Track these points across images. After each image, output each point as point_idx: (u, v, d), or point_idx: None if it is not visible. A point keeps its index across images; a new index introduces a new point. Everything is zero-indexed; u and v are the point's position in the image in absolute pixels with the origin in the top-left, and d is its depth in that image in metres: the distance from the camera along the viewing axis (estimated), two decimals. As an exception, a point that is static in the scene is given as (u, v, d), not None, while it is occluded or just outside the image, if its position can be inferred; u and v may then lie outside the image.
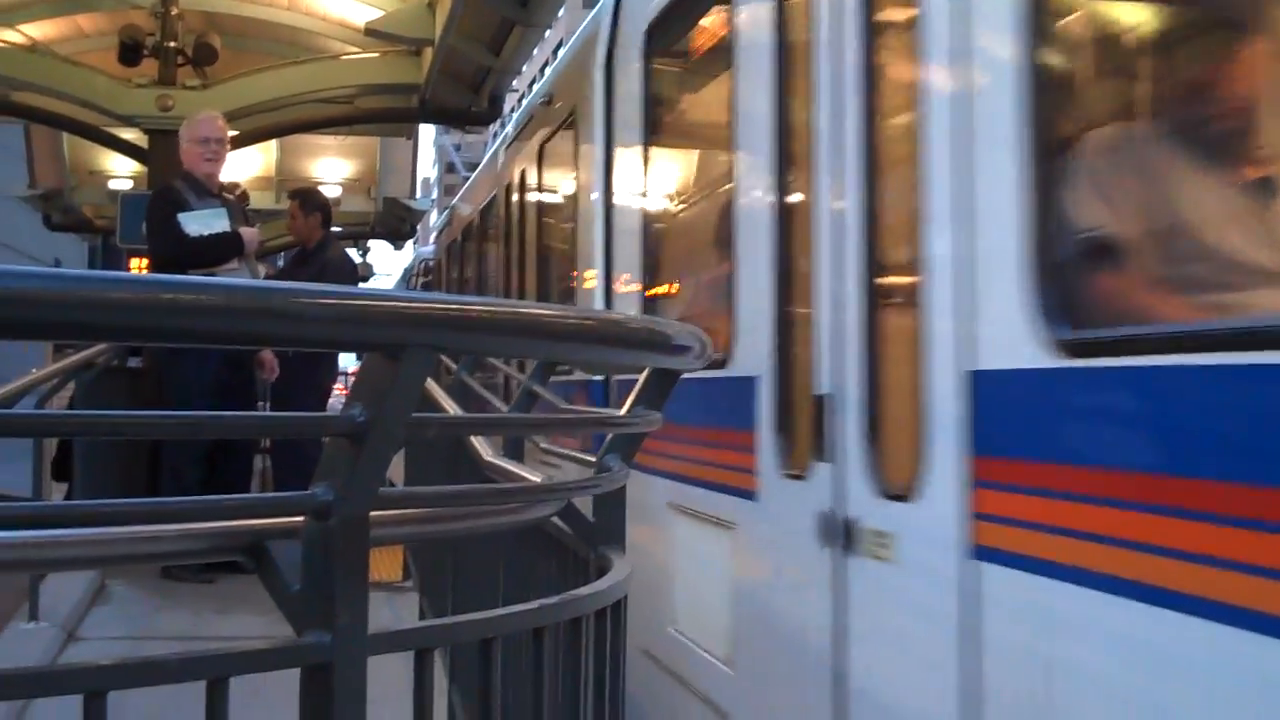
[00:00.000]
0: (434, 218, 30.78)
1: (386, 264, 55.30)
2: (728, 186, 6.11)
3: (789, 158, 5.32)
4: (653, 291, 7.46)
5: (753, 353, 5.52)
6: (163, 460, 9.73)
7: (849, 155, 4.66)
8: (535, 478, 3.45)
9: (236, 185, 10.08)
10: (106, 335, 2.01)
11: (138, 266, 13.52)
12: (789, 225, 5.31)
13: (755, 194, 5.62)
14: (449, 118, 15.87)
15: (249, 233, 9.61)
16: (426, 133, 27.00)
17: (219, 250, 9.32)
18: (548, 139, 10.60)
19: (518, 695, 3.25)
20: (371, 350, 2.00)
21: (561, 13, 22.82)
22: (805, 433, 5.01)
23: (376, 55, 14.88)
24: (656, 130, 7.59)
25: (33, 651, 6.99)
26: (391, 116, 16.30)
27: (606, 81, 8.15)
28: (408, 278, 26.04)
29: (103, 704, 1.86)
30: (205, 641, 7.25)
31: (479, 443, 4.56)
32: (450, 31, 12.38)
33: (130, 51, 14.00)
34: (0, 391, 7.51)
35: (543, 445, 5.28)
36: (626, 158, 7.86)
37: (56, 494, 11.02)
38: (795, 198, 5.29)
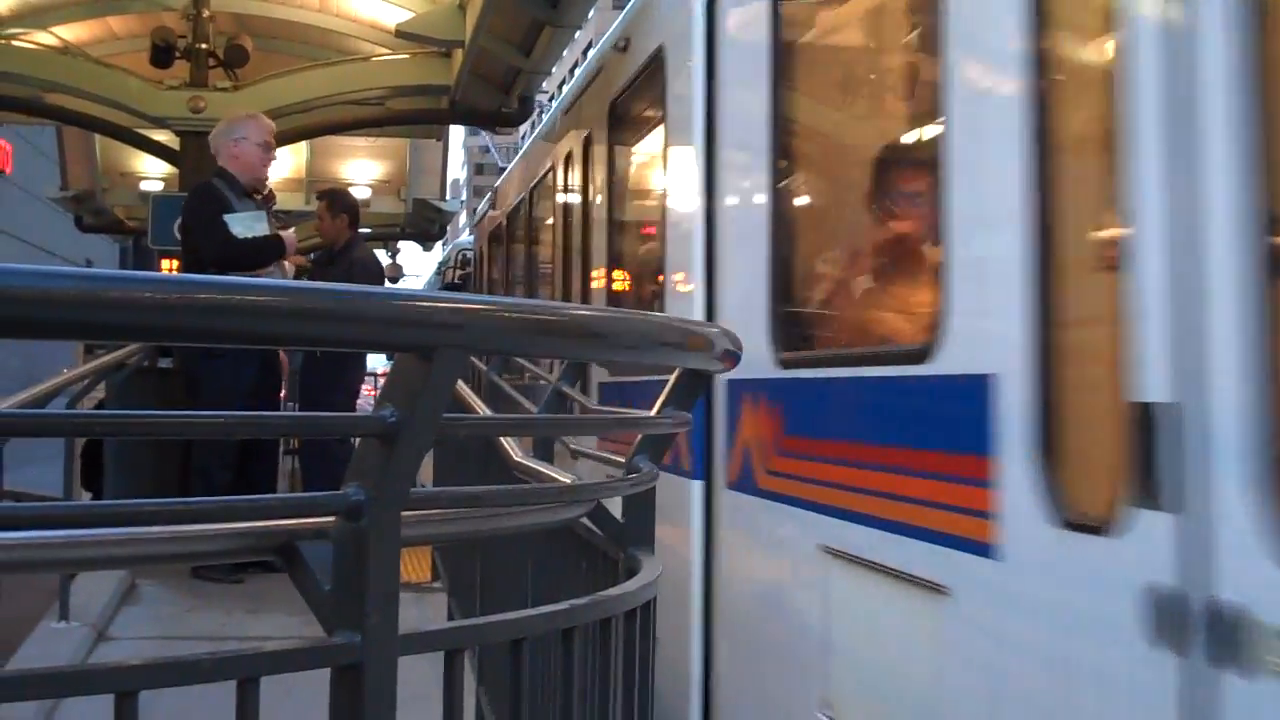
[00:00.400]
0: (463, 219, 30.82)
1: (416, 265, 55.40)
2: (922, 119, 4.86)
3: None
4: (783, 276, 5.77)
5: (984, 339, 3.90)
6: (192, 461, 9.73)
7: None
8: (565, 479, 3.45)
9: (265, 187, 10.02)
10: (146, 335, 2.01)
11: (169, 267, 13.55)
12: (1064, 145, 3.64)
13: (992, 113, 3.95)
14: (479, 119, 15.87)
15: (289, 236, 9.63)
16: (456, 134, 26.99)
17: (265, 254, 9.33)
18: (620, 94, 8.74)
19: (547, 696, 3.25)
20: (404, 351, 2.01)
21: (591, 14, 22.78)
22: (1115, 462, 3.24)
23: (407, 57, 14.88)
24: (788, 65, 5.89)
25: (63, 651, 7.02)
26: (422, 118, 16.30)
27: (709, 10, 6.58)
28: (441, 271, 25.99)
29: (134, 704, 1.87)
30: (235, 641, 7.28)
31: (509, 444, 4.57)
32: (480, 33, 12.36)
33: (162, 53, 14.05)
34: (32, 393, 7.55)
35: (573, 446, 5.21)
36: (739, 107, 6.25)
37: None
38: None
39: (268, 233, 9.46)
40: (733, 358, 3.05)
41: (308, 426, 2.36)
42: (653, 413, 3.08)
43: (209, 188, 9.64)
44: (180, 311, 1.72)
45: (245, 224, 9.38)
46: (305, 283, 1.95)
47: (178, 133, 14.24)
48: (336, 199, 11.13)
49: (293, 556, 2.11)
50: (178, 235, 10.15)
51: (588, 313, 2.44)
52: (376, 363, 23.95)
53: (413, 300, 2.00)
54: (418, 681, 2.09)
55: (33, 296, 1.62)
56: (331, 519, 2.05)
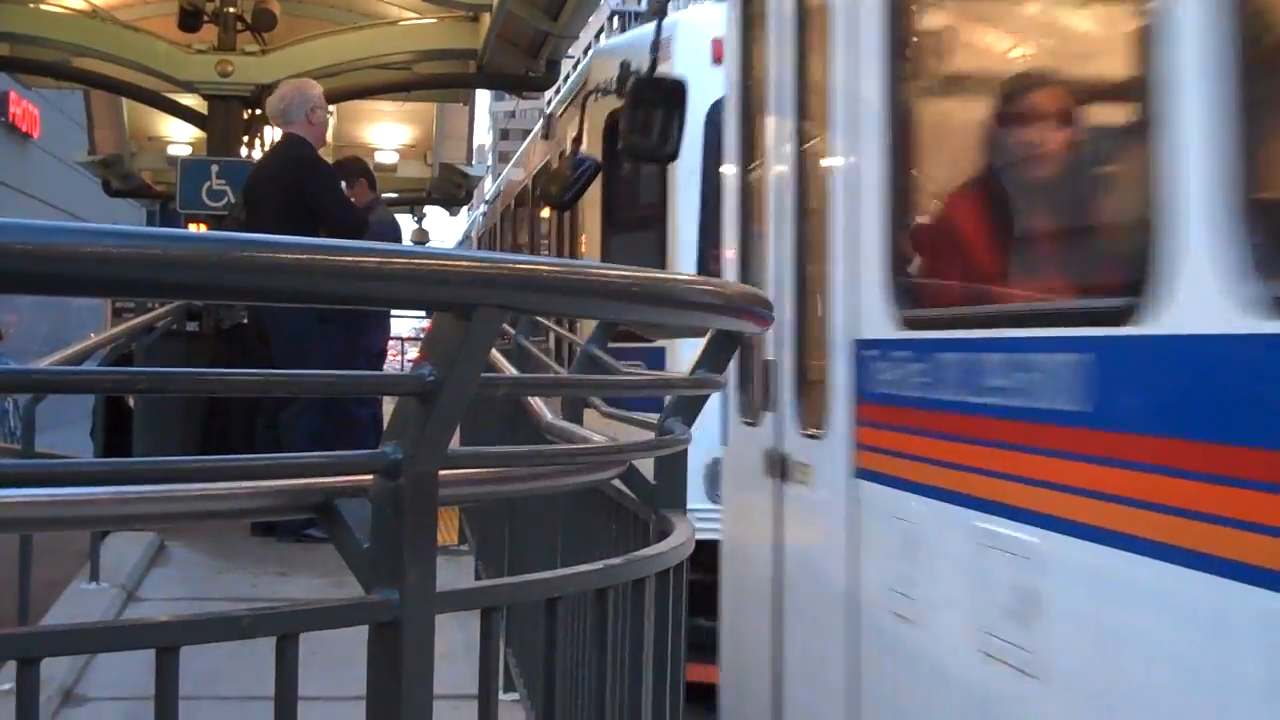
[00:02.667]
0: (488, 184, 30.80)
1: (441, 230, 55.38)
2: None
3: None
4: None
5: None
6: (280, 418, 9.68)
7: None
8: (598, 439, 3.46)
9: None
10: (198, 294, 2.03)
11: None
12: None
13: None
14: (506, 83, 15.89)
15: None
16: (482, 99, 27.01)
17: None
18: None
19: (577, 657, 3.27)
20: (443, 309, 2.02)
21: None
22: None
23: (434, 20, 14.89)
24: None
25: (95, 611, 7.06)
26: (448, 82, 16.30)
27: None
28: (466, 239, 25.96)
29: (175, 659, 1.88)
30: (265, 604, 7.32)
31: (540, 406, 4.58)
32: (508, -3, 12.37)
33: (190, 17, 14.05)
34: (66, 354, 7.60)
35: (603, 409, 5.17)
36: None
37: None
38: None
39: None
40: (765, 319, 3.05)
41: (347, 385, 2.36)
42: (687, 374, 3.09)
43: (318, 158, 9.66)
44: (226, 269, 1.74)
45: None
46: (350, 242, 1.96)
47: (205, 96, 14.27)
48: (344, 166, 11.14)
49: (331, 514, 2.13)
50: (234, 202, 10.13)
51: (625, 273, 2.44)
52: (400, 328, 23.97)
53: (453, 259, 2.01)
54: (445, 644, 2.11)
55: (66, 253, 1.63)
56: (369, 478, 2.07)
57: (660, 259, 9.33)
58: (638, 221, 10.47)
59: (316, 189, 9.53)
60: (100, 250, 1.65)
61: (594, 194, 9.24)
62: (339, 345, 9.30)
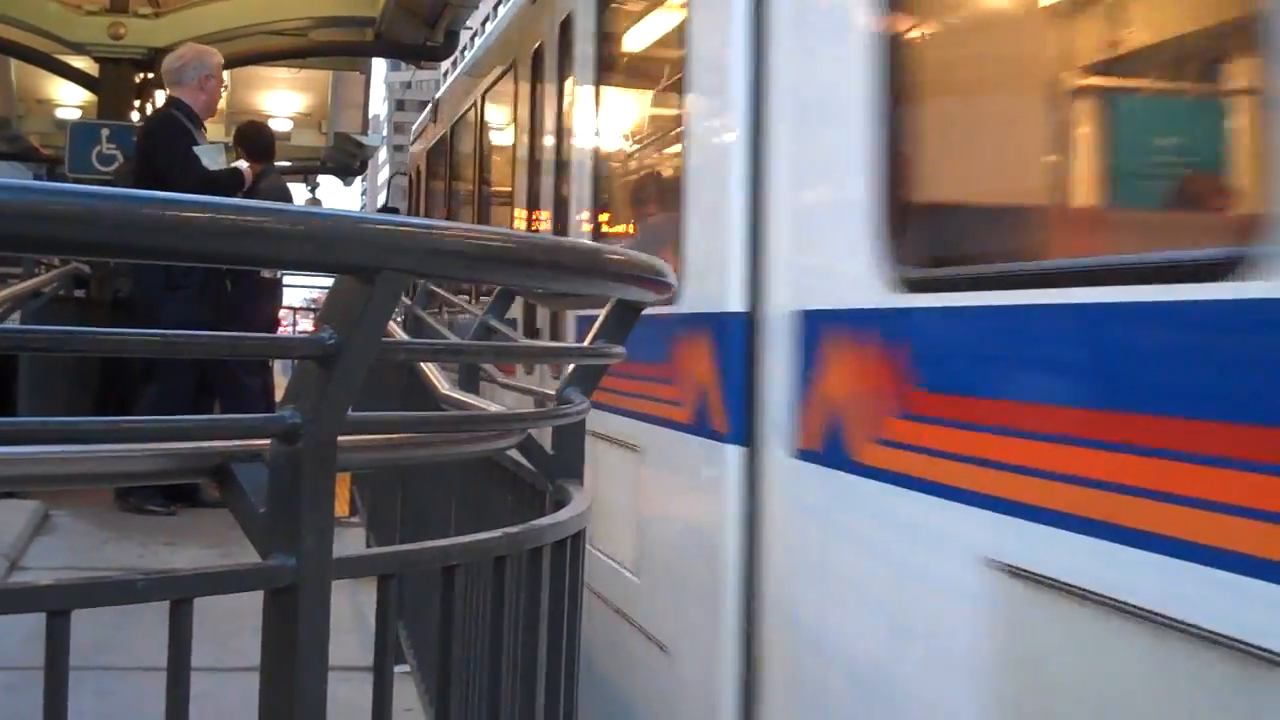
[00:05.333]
0: (383, 154, 30.61)
1: (336, 200, 54.92)
2: None
3: None
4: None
5: None
6: (219, 376, 9.57)
7: None
8: (495, 409, 3.45)
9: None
10: (95, 250, 1.99)
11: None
12: None
13: None
14: (404, 52, 15.78)
15: (246, 169, 9.55)
16: (378, 69, 26.80)
17: (232, 186, 9.24)
18: None
19: (471, 628, 3.26)
20: (346, 273, 1.99)
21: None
22: None
23: (332, -13, 14.75)
24: None
25: (-25, 579, 6.95)
26: (345, 50, 16.17)
27: None
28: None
29: (66, 623, 1.85)
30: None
31: (435, 376, 4.56)
32: (407, -35, 12.28)
33: (81, -24, 13.83)
34: (-52, 317, 7.46)
35: (500, 379, 5.16)
36: None
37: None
38: None
39: (228, 165, 9.40)
40: (667, 289, 3.05)
41: (246, 347, 2.32)
42: (585, 344, 3.08)
43: (174, 119, 9.51)
44: (121, 227, 1.70)
45: (210, 156, 9.31)
46: (255, 202, 1.93)
47: (96, 59, 14.03)
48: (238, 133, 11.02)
49: (227, 479, 2.10)
50: (120, 164, 9.98)
51: (528, 240, 2.43)
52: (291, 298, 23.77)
53: (357, 221, 1.98)
54: (333, 615, 2.09)
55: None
56: (267, 442, 2.04)
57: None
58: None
59: (154, 151, 9.50)
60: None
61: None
62: (208, 317, 9.20)
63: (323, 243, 1.91)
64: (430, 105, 15.29)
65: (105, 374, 10.50)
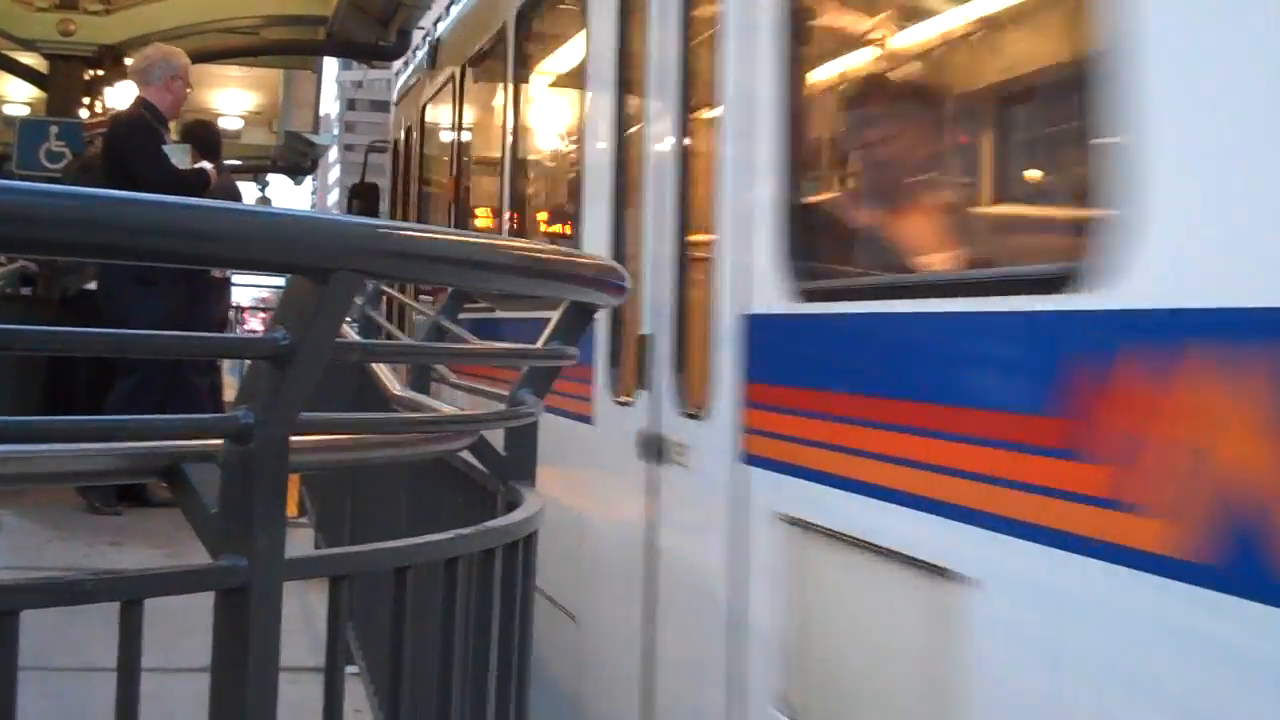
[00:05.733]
0: (334, 154, 30.49)
1: (286, 199, 54.73)
2: None
3: None
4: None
5: None
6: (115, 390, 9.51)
7: None
8: (447, 410, 3.45)
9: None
10: (51, 249, 1.98)
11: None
12: None
13: None
14: (356, 51, 15.75)
15: (211, 169, 9.51)
16: (330, 68, 26.73)
17: (200, 186, 9.20)
18: None
19: (421, 630, 3.25)
20: (301, 273, 1.99)
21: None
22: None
23: (284, -15, 14.70)
24: None
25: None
26: (297, 49, 16.13)
27: None
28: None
29: (15, 624, 1.84)
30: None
31: (387, 377, 4.55)
32: (360, -36, 12.24)
33: (31, -28, 13.74)
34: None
35: (452, 380, 5.13)
36: None
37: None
38: None
39: (194, 165, 9.36)
40: (618, 290, 3.06)
41: (199, 348, 2.31)
42: (538, 345, 3.08)
43: (144, 120, 9.47)
44: (78, 226, 1.69)
45: (178, 156, 9.29)
46: (210, 202, 1.92)
47: (46, 55, 13.95)
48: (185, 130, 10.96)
49: (178, 479, 2.09)
50: (69, 160, 9.87)
51: (483, 241, 2.42)
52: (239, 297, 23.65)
53: (312, 222, 1.98)
54: (285, 616, 2.08)
55: None
56: (219, 442, 2.03)
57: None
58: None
59: (126, 151, 9.42)
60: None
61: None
62: (178, 313, 9.15)
63: (278, 243, 1.91)
64: (426, 47, 11.71)
65: (51, 373, 10.44)
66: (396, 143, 13.59)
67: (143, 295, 9.05)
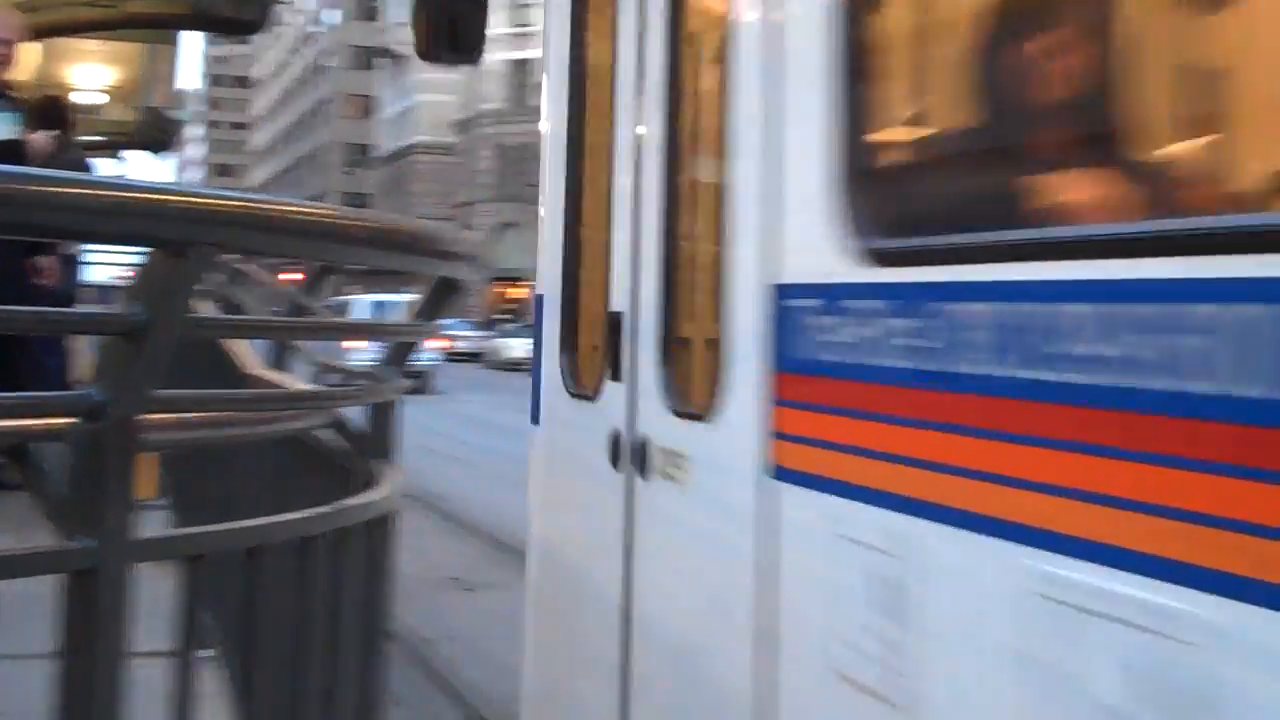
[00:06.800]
0: (201, 130, 30.14)
1: (146, 174, 53.86)
2: None
3: None
4: None
5: None
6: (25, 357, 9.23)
7: None
8: (306, 388, 3.40)
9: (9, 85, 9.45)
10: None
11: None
12: None
13: None
14: (218, 25, 15.52)
15: (39, 140, 9.16)
16: (194, 43, 26.36)
17: (13, 158, 8.85)
18: None
19: (275, 611, 3.21)
20: (156, 246, 1.94)
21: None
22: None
23: (145, -43, 14.46)
24: None
25: None
26: (159, 22, 15.85)
27: None
28: None
29: None
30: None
31: (245, 356, 4.48)
32: (223, -63, 12.08)
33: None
34: None
35: (319, 359, 4.96)
36: None
37: None
38: None
39: (14, 136, 9.07)
40: (473, 265, 3.02)
41: (52, 323, 2.27)
42: (403, 321, 3.05)
43: None
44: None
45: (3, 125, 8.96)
46: (64, 173, 1.87)
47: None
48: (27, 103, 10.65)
49: (23, 458, 2.05)
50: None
51: (344, 215, 2.38)
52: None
53: (168, 194, 1.93)
54: (135, 599, 2.04)
55: None
56: (69, 420, 1.99)
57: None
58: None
59: None
60: None
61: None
62: (25, 291, 8.91)
63: (131, 215, 1.86)
64: None
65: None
66: None
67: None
